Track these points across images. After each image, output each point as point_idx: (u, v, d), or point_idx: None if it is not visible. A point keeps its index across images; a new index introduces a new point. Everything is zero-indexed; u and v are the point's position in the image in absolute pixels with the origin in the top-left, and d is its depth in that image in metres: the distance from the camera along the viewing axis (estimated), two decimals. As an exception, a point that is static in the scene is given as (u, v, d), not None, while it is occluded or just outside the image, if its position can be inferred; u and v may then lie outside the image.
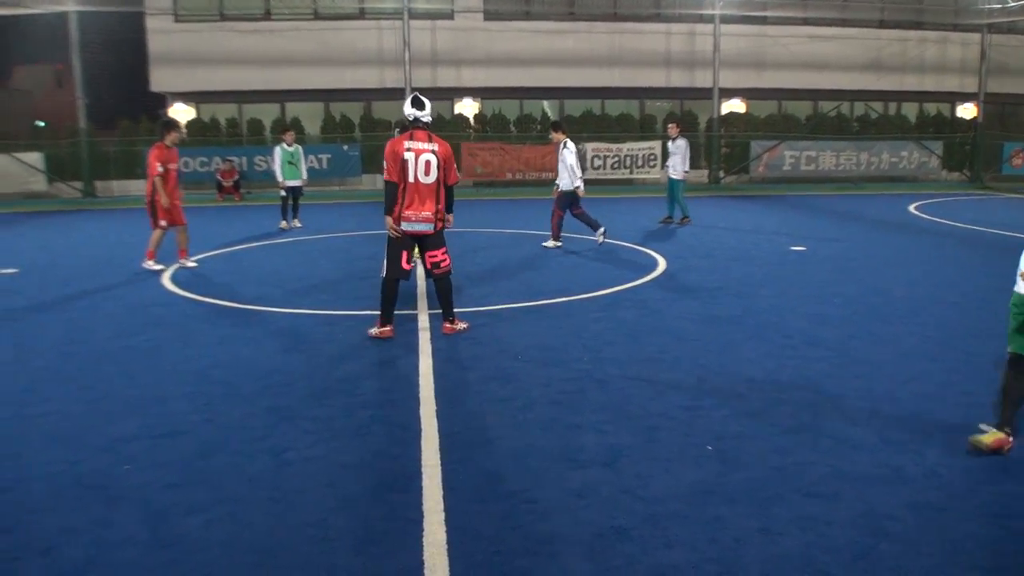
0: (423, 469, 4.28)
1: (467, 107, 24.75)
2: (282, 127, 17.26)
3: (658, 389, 5.61)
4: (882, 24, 27.13)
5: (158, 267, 10.38)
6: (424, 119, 6.80)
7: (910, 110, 27.90)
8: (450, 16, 24.27)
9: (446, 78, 24.26)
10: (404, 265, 6.86)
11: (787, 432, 4.83)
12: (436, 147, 6.73)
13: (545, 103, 25.88)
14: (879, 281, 9.61)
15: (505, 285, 9.30)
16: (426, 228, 6.78)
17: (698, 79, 25.53)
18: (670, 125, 15.68)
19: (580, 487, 4.09)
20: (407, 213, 6.69)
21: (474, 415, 5.12)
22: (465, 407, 5.26)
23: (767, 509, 3.87)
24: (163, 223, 10.31)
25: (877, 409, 5.25)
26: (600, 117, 24.99)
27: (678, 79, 25.70)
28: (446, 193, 6.85)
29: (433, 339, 6.91)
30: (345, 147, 22.88)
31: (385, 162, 6.71)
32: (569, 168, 11.81)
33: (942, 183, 25.86)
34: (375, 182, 23.14)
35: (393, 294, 6.92)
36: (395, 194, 6.68)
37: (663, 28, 25.42)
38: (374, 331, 6.99)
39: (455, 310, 7.26)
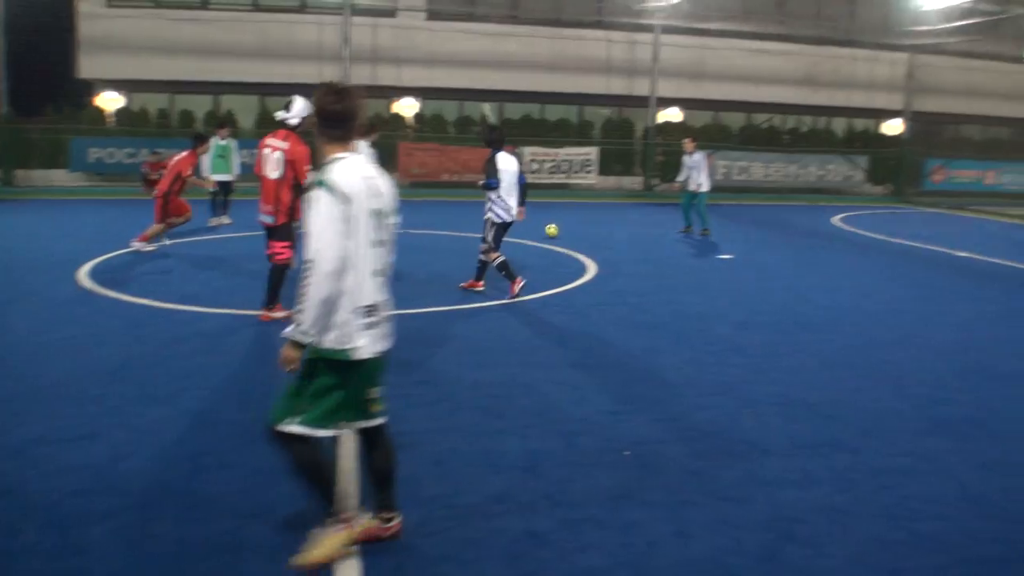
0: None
1: (407, 107, 24.62)
2: (217, 120, 16.90)
3: (582, 394, 5.67)
4: (817, 41, 27.82)
5: (150, 247, 11.17)
6: (290, 121, 7.17)
7: (839, 125, 28.68)
8: (392, 14, 24.12)
9: (386, 76, 24.08)
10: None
11: (704, 437, 4.93)
12: (287, 146, 7.11)
13: (485, 105, 25.91)
14: (803, 289, 9.87)
15: (438, 288, 9.27)
16: (268, 220, 7.28)
17: (637, 87, 25.83)
18: (686, 140, 15.47)
19: (500, 492, 4.11)
20: (260, 205, 7.29)
21: (398, 419, 5.06)
22: (389, 410, 5.21)
23: (681, 513, 3.95)
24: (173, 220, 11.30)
25: (792, 415, 5.40)
26: (539, 121, 25.10)
27: (617, 87, 25.97)
28: (300, 192, 7.02)
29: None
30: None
31: None
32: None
33: (867, 196, 26.65)
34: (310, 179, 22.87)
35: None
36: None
37: (604, 36, 25.66)
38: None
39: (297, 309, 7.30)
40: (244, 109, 23.79)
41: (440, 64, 24.22)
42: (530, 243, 12.90)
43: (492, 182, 8.64)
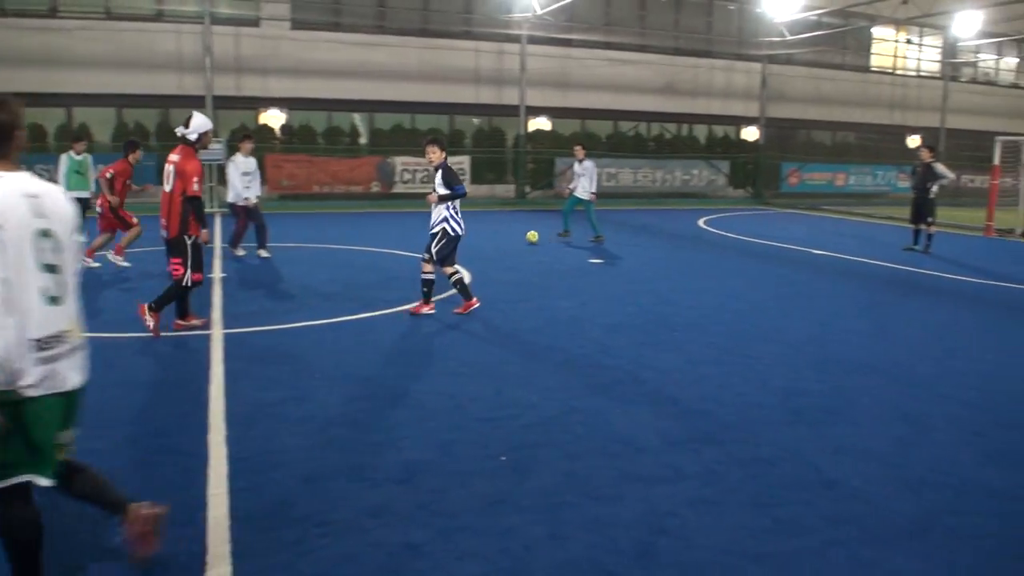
0: (209, 499, 4.08)
1: (273, 118, 24.03)
2: (70, 134, 15.99)
3: (457, 403, 5.66)
4: (676, 51, 28.92)
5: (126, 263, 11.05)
6: (189, 136, 7.23)
7: (700, 131, 29.88)
8: (256, 23, 23.52)
9: (251, 87, 23.44)
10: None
11: (577, 439, 5.01)
12: (177, 159, 7.17)
13: (355, 116, 25.59)
14: (670, 291, 10.19)
15: (309, 302, 9.07)
16: (163, 233, 7.35)
17: (506, 97, 26.13)
18: (576, 148, 15.55)
19: (375, 506, 4.04)
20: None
21: (267, 438, 4.94)
22: (258, 430, 5.07)
23: (556, 515, 3.99)
24: (134, 220, 11.03)
25: (661, 412, 5.56)
26: (410, 131, 25.01)
27: (487, 96, 26.18)
28: (191, 206, 7.17)
29: (227, 360, 6.62)
30: (76, 156, 21.43)
31: None
32: None
33: (729, 199, 27.87)
34: (173, 194, 22.01)
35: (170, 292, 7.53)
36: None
37: (472, 46, 25.83)
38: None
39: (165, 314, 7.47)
40: (100, 122, 22.63)
41: (307, 74, 23.78)
42: (403, 253, 12.80)
43: (460, 189, 8.34)
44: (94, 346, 6.91)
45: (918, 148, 15.81)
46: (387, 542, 3.69)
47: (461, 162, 23.88)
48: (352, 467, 4.51)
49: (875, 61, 33.40)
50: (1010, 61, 36.40)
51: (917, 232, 15.16)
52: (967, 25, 27.60)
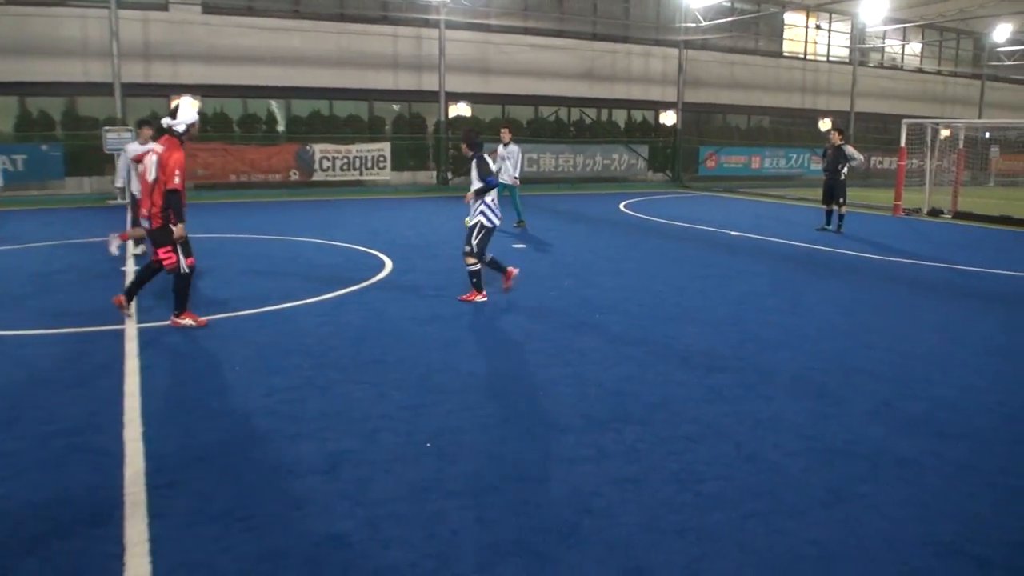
0: (125, 498, 3.96)
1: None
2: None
3: (381, 391, 5.62)
4: (595, 37, 29.13)
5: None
6: (176, 128, 7.13)
7: (620, 116, 30.19)
8: (165, 8, 22.73)
9: (161, 74, 22.68)
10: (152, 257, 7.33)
11: (502, 423, 5.03)
12: (161, 150, 7.02)
13: (272, 103, 25.04)
14: (592, 274, 10.29)
15: (225, 293, 8.86)
16: (146, 224, 7.34)
17: (425, 82, 25.92)
18: (503, 130, 15.02)
19: (298, 498, 3.98)
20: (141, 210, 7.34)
21: (186, 433, 4.82)
22: (176, 426, 4.94)
23: (483, 499, 4.00)
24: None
25: (585, 393, 5.62)
26: (329, 118, 24.60)
27: (406, 82, 25.92)
28: (167, 198, 7.00)
29: (142, 355, 6.42)
30: (44, 147, 20.67)
31: None
32: None
33: (649, 183, 28.27)
34: (80, 185, 21.19)
35: (139, 274, 7.56)
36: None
37: (390, 31, 25.52)
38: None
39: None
40: (2, 111, 21.63)
41: (219, 60, 23.15)
42: (324, 242, 12.62)
43: (492, 180, 8.37)
44: (1, 344, 6.66)
45: (829, 131, 16.30)
46: (311, 534, 3.65)
47: (382, 148, 23.64)
48: (274, 460, 4.44)
49: (787, 47, 34.27)
50: (915, 47, 37.79)
51: (829, 213, 15.66)
52: (874, 11, 28.54)
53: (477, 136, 8.64)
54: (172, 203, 7.03)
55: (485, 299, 8.58)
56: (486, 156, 8.50)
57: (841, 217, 15.38)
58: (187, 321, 7.30)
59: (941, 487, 4.22)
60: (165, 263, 7.17)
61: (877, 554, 3.55)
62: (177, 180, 6.96)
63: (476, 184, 8.41)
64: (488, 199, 8.44)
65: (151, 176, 7.08)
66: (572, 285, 9.56)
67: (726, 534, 3.69)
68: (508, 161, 14.71)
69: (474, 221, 8.46)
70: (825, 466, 4.45)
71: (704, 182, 28.39)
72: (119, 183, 11.59)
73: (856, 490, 4.16)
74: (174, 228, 7.08)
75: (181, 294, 7.29)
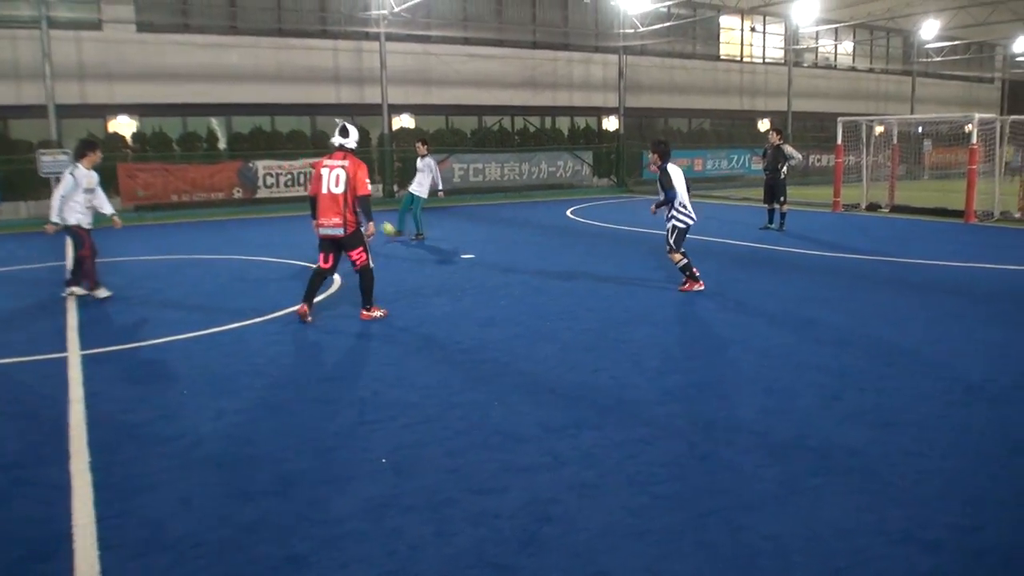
0: (74, 530, 3.86)
1: (123, 125, 22.86)
2: None
3: (334, 408, 5.56)
4: (535, 45, 29.30)
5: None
6: (348, 144, 8.13)
7: (563, 124, 30.39)
8: (98, 26, 22.25)
9: (96, 94, 22.18)
10: (321, 264, 8.19)
11: (458, 434, 5.01)
12: (347, 164, 7.96)
13: (212, 120, 24.67)
14: (541, 281, 10.33)
15: (173, 315, 8.69)
16: (336, 232, 7.99)
17: (368, 95, 25.77)
18: (417, 143, 15.27)
19: (252, 522, 3.91)
20: (321, 220, 8.01)
21: (135, 461, 4.71)
22: (124, 454, 4.82)
23: (441, 512, 3.98)
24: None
25: (539, 401, 5.63)
26: (271, 134, 24.31)
27: (348, 95, 25.75)
28: (361, 203, 7.99)
29: (87, 383, 6.26)
30: None
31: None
32: None
33: (594, 189, 28.48)
34: (16, 210, 20.64)
35: (311, 284, 8.24)
36: (313, 205, 8.10)
37: (330, 45, 25.33)
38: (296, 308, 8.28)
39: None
40: (-72, 136, 20.97)
41: (156, 79, 22.72)
42: (271, 259, 12.47)
43: (671, 194, 9.29)
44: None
45: (768, 131, 16.62)
46: (268, 557, 3.59)
47: (326, 163, 23.41)
48: (226, 483, 4.36)
49: (724, 50, 34.85)
50: (847, 46, 38.74)
51: (771, 211, 15.95)
52: (806, 13, 29.16)
53: (667, 147, 9.50)
54: (365, 206, 8.05)
55: (703, 288, 9.43)
56: (668, 168, 9.36)
57: (783, 215, 15.67)
58: (376, 313, 8.31)
59: (889, 476, 4.32)
60: (358, 263, 8.15)
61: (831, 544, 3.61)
62: (369, 187, 8.00)
63: (660, 196, 9.49)
64: (677, 204, 9.34)
65: (339, 188, 7.91)
66: (522, 293, 9.58)
67: (686, 534, 3.72)
68: (422, 173, 14.99)
69: (668, 226, 9.46)
70: (777, 462, 4.52)
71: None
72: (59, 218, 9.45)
73: (809, 483, 4.23)
74: (366, 227, 8.16)
75: (369, 290, 8.27)
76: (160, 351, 7.22)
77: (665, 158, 9.38)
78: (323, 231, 8.07)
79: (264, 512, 4.01)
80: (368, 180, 8.07)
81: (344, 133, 8.20)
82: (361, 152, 15.44)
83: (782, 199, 15.66)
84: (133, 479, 4.45)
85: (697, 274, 9.50)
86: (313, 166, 8.25)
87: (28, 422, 5.49)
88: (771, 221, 15.94)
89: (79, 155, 9.72)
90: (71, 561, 3.59)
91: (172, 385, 6.18)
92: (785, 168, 15.64)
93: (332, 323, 8.18)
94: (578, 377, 6.19)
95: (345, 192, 7.92)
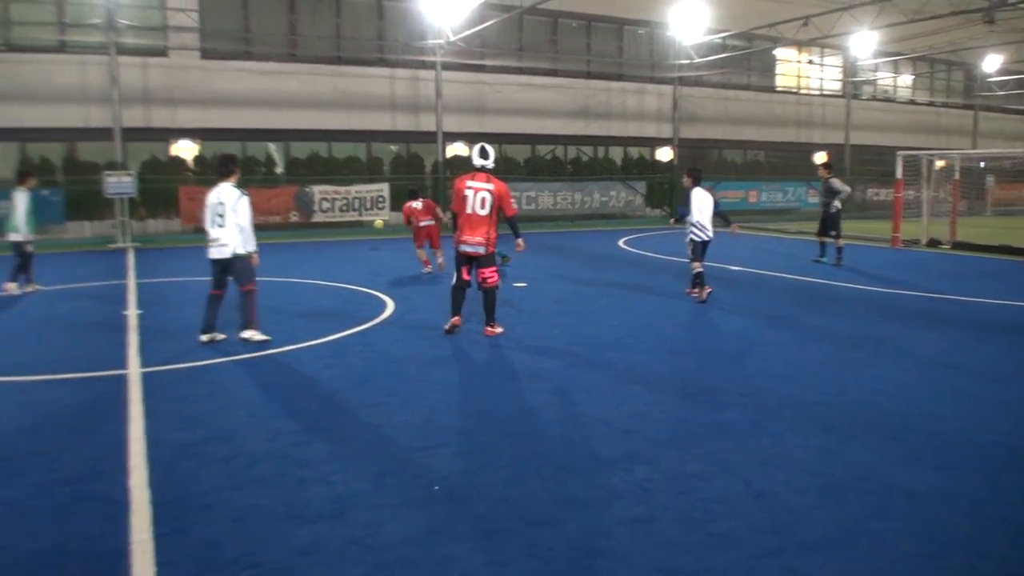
0: (132, 546, 3.92)
1: (185, 149, 23.49)
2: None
3: (387, 433, 5.59)
4: (589, 75, 29.45)
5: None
6: (488, 166, 8.52)
7: (616, 153, 30.42)
8: (164, 53, 22.98)
9: (160, 118, 22.87)
10: (464, 276, 8.64)
11: (512, 463, 4.99)
12: (492, 187, 8.40)
13: (271, 145, 25.23)
14: (594, 312, 10.29)
15: (229, 335, 8.82)
16: (477, 250, 8.44)
17: (423, 123, 26.14)
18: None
19: (307, 544, 3.94)
20: (464, 237, 8.42)
21: (192, 480, 4.78)
22: (181, 472, 4.91)
23: (493, 542, 3.96)
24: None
25: (592, 433, 5.58)
26: (327, 160, 24.77)
27: (403, 123, 26.15)
28: (510, 222, 8.71)
29: (146, 400, 6.39)
30: (45, 192, 20.77)
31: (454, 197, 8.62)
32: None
33: (646, 219, 28.39)
34: (81, 229, 21.26)
35: (456, 298, 8.77)
36: (455, 221, 8.54)
37: (387, 73, 25.79)
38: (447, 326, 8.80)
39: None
40: (2, 157, 21.75)
41: (218, 104, 23.36)
42: (325, 283, 12.63)
43: (682, 210, 11.15)
44: (4, 390, 6.63)
45: (817, 166, 16.45)
46: (321, 580, 3.61)
47: (380, 189, 23.75)
48: (281, 505, 4.40)
49: (780, 81, 34.61)
50: (906, 78, 38.21)
51: (823, 244, 15.76)
52: (864, 45, 28.86)
53: (699, 173, 11.19)
54: (515, 225, 8.79)
55: (703, 296, 10.84)
56: (693, 190, 10.90)
57: (839, 249, 15.42)
58: (499, 329, 8.76)
59: (951, 520, 4.18)
60: (489, 281, 8.57)
61: (893, 592, 3.51)
62: (514, 205, 8.54)
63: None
64: (693, 221, 10.89)
65: (483, 210, 8.35)
66: (575, 323, 9.56)
67: (741, 575, 3.65)
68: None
69: (686, 241, 11.15)
70: (835, 503, 4.41)
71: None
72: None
73: (868, 526, 4.12)
74: (518, 242, 8.89)
75: (492, 308, 8.72)
76: (215, 372, 7.34)
77: (696, 182, 10.97)
78: (464, 247, 8.49)
79: (317, 535, 4.03)
80: (513, 199, 8.57)
81: (484, 155, 8.53)
82: (414, 179, 15.75)
83: (833, 232, 15.45)
84: (189, 497, 4.52)
85: (707, 288, 10.93)
86: (455, 184, 8.63)
87: (89, 437, 5.60)
88: (823, 254, 15.75)
89: (226, 173, 8.38)
90: (129, 577, 3.64)
91: (228, 405, 6.28)
92: (836, 202, 15.42)
93: (384, 348, 8.23)
94: (631, 409, 6.13)
95: (490, 214, 8.39)
